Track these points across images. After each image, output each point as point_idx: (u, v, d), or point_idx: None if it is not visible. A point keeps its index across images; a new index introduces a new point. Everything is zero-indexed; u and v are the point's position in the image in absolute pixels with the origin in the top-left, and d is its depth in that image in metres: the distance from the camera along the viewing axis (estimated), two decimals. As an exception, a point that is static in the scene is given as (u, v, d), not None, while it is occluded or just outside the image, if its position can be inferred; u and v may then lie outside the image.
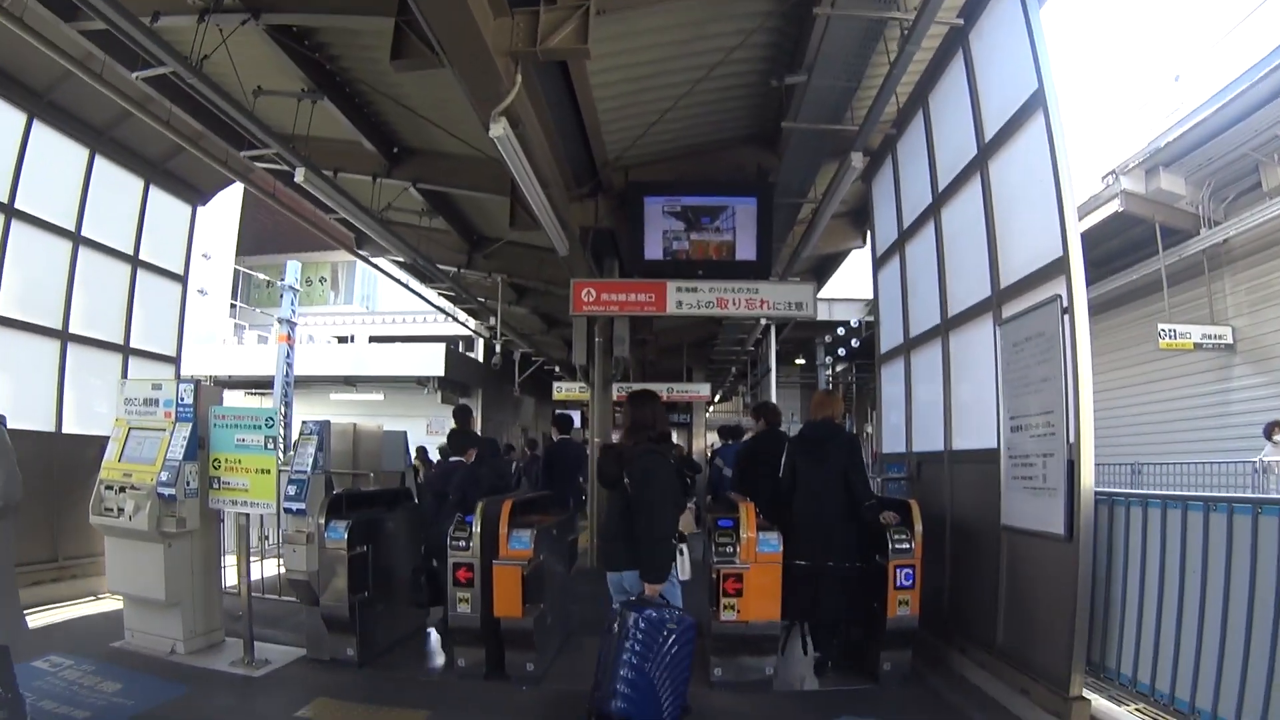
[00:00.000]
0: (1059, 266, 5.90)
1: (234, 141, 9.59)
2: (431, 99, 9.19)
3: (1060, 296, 5.78)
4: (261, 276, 36.41)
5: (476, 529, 6.72)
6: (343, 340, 34.93)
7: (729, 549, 6.56)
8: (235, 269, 35.38)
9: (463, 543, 6.74)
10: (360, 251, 15.76)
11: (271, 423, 7.25)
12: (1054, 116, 6.01)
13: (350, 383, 28.84)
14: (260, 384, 25.64)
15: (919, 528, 6.85)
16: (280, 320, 23.62)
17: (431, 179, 11.35)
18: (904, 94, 8.80)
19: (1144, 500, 5.87)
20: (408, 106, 9.20)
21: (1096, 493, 5.78)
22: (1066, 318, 5.73)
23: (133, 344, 10.97)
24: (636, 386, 18.24)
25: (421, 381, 28.06)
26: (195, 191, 11.97)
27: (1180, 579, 5.48)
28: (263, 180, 11.77)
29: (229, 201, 31.09)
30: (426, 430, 26.21)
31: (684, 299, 10.32)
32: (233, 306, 36.14)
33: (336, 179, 10.35)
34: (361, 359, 28.99)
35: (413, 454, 16.38)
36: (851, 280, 22.43)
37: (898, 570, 6.69)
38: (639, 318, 16.21)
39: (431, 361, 27.56)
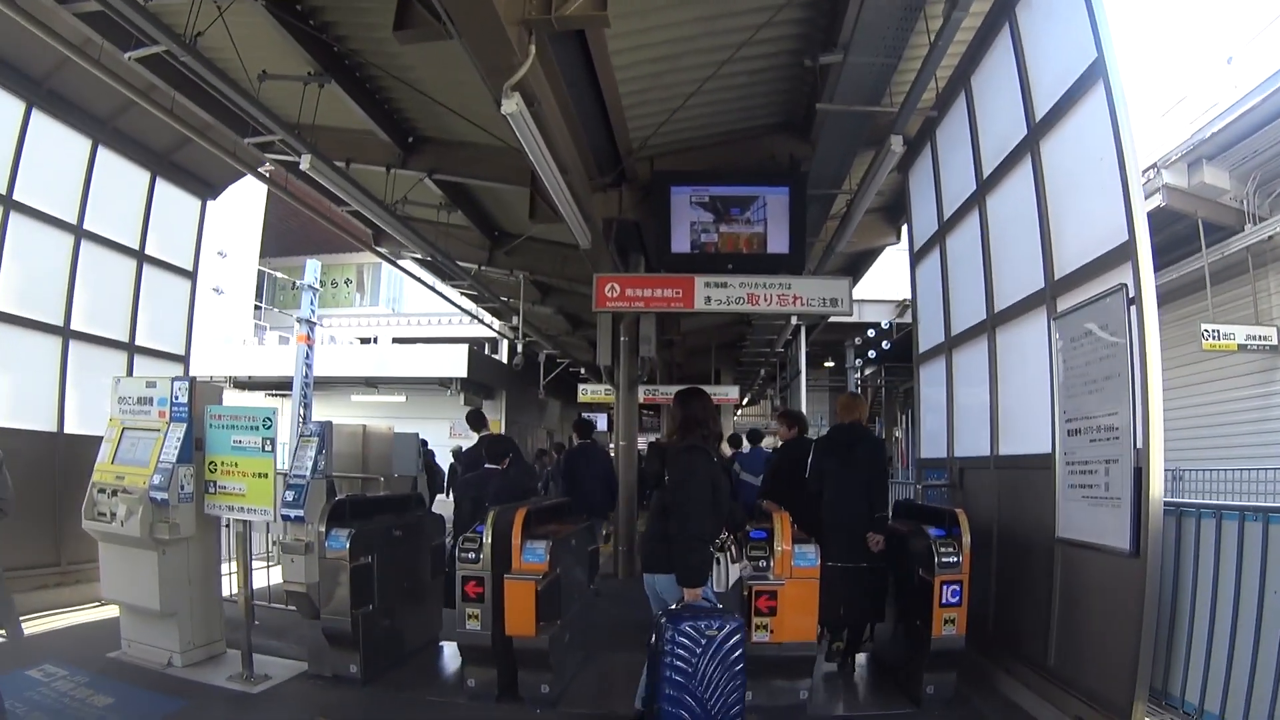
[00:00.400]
0: (1123, 252, 5.41)
1: (239, 129, 9.20)
2: (446, 81, 8.76)
3: (1125, 286, 5.29)
4: (285, 278, 36.11)
5: (487, 540, 6.26)
6: (365, 342, 34.68)
7: (762, 563, 6.06)
8: (259, 270, 35.21)
9: (472, 554, 6.29)
10: (379, 249, 15.38)
11: (269, 423, 6.84)
12: (1116, 87, 5.50)
13: (372, 384, 28.44)
14: (281, 385, 25.26)
15: (966, 539, 6.33)
16: (299, 320, 23.29)
17: (449, 169, 10.94)
18: (943, 77, 8.34)
19: (1217, 511, 5.41)
20: (421, 90, 8.78)
21: (1165, 503, 5.26)
22: (1133, 309, 5.24)
23: (139, 342, 10.65)
24: (669, 390, 17.80)
25: (444, 383, 27.55)
26: (205, 185, 11.67)
27: (1259, 599, 5.01)
28: (278, 175, 11.52)
29: (252, 202, 31.01)
30: (450, 433, 25.53)
31: (713, 295, 9.83)
32: (257, 308, 36.03)
33: (349, 170, 9.97)
34: (383, 360, 28.59)
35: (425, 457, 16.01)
36: (883, 280, 22.13)
37: (944, 586, 6.18)
38: (666, 316, 16.04)
39: (454, 363, 27.11)
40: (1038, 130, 6.65)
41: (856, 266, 16.50)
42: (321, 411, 23.87)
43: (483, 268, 15.24)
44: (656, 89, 8.90)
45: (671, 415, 5.76)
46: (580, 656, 7.36)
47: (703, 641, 4.77)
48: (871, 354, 26.98)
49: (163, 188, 10.95)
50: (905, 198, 10.76)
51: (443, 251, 12.80)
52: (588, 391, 22.96)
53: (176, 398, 7.19)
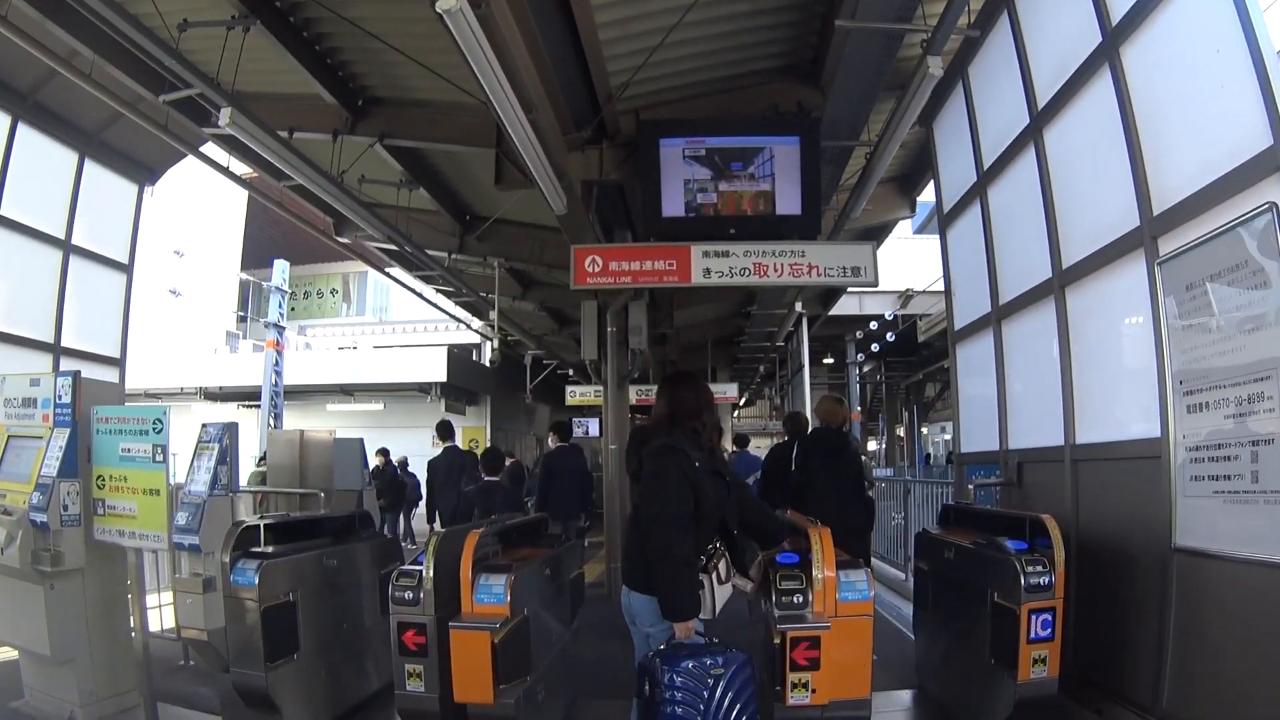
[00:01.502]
0: (1265, 163, 4.16)
1: (157, 88, 7.92)
2: (397, 22, 7.65)
3: (1275, 205, 4.01)
4: (267, 285, 35.24)
5: (428, 573, 4.90)
6: (342, 349, 33.64)
7: (797, 598, 4.64)
8: (243, 279, 34.29)
9: (408, 593, 4.93)
10: (341, 239, 14.24)
11: (159, 426, 5.60)
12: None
13: (348, 392, 27.31)
14: (256, 396, 24.25)
15: (1060, 555, 5.03)
16: (267, 324, 22.56)
17: (403, 133, 9.70)
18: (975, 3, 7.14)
19: None
20: (365, 30, 7.52)
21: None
22: None
23: (65, 343, 9.62)
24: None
25: (424, 389, 26.38)
26: (142, 169, 10.79)
27: None
28: (255, 178, 10.31)
29: (232, 209, 30.62)
30: (431, 442, 24.23)
31: (713, 265, 8.53)
32: (241, 318, 35.21)
33: (292, 140, 8.81)
34: (359, 366, 27.37)
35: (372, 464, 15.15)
36: (884, 269, 20.96)
37: (1032, 616, 4.86)
38: (658, 306, 15.31)
39: (433, 367, 25.88)
40: (1116, 35, 5.44)
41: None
42: (295, 422, 23.38)
43: (453, 255, 14.07)
44: (641, 18, 7.67)
45: (655, 406, 4.63)
46: (562, 708, 5.97)
47: (709, 681, 3.77)
48: (875, 347, 25.90)
49: (93, 171, 10.11)
50: (930, 153, 9.57)
51: (404, 235, 11.56)
52: (576, 394, 22.63)
53: (60, 397, 6.03)
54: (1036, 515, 5.38)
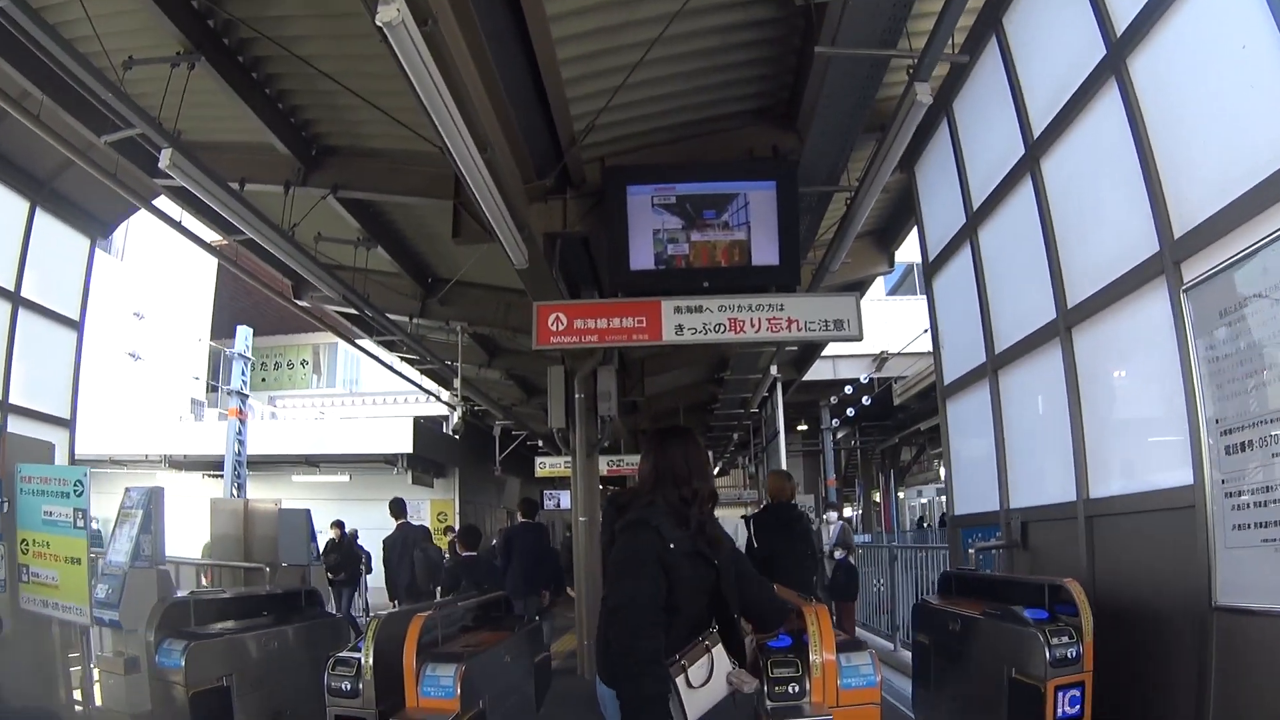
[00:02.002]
0: None
1: (102, 129, 7.42)
2: (348, 58, 7.21)
3: None
4: (229, 352, 34.90)
5: (367, 660, 4.30)
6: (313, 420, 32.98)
7: (792, 687, 4.08)
8: (212, 347, 33.93)
9: (346, 684, 4.33)
10: (300, 301, 13.66)
11: (80, 489, 5.05)
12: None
13: (313, 463, 26.51)
14: (220, 465, 23.69)
15: (1088, 624, 4.49)
16: (230, 391, 22.29)
17: (357, 183, 9.22)
18: (959, 36, 6.74)
19: None
20: (320, 70, 7.04)
21: None
22: None
23: (12, 400, 8.92)
24: (634, 460, 16.31)
25: (390, 461, 25.63)
26: (95, 222, 10.50)
27: None
28: (232, 249, 10.27)
29: (202, 277, 30.29)
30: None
31: (685, 321, 8.03)
32: (213, 388, 34.79)
33: (244, 192, 8.25)
34: (324, 437, 26.60)
35: (321, 543, 14.48)
36: None
37: (1059, 693, 4.32)
38: (628, 372, 14.89)
39: (399, 438, 25.04)
40: (1122, 45, 5.06)
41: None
42: (260, 493, 22.29)
43: (415, 320, 13.52)
44: (606, 54, 7.27)
45: (640, 466, 3.95)
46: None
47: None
48: (850, 412, 25.51)
49: (44, 221, 9.73)
50: (913, 200, 9.23)
51: (362, 296, 11.04)
52: (545, 465, 22.15)
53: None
54: (1056, 580, 4.88)
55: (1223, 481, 4.20)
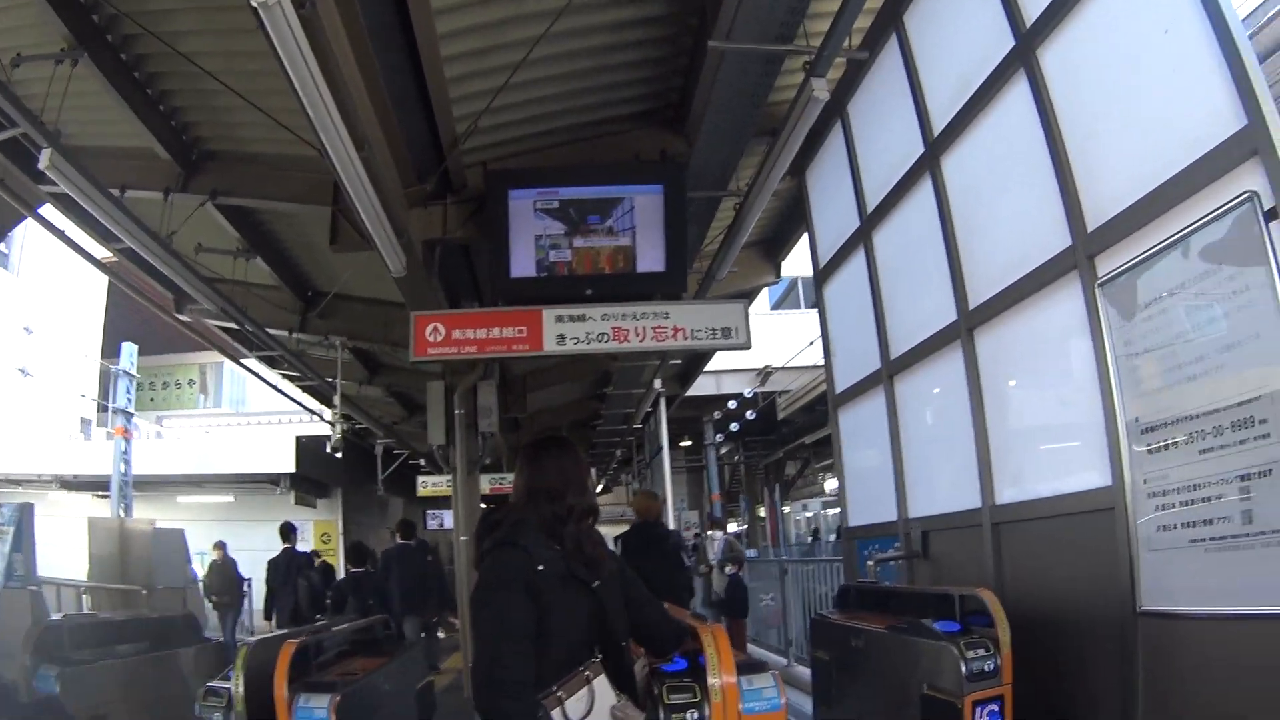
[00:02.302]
0: (1238, 148, 3.58)
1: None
2: (229, 54, 6.77)
3: (1255, 194, 3.44)
4: (115, 370, 33.76)
5: (237, 688, 3.85)
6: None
7: (691, 714, 3.77)
8: (104, 366, 32.63)
9: (216, 715, 3.86)
10: (181, 316, 12.85)
11: None
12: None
13: (198, 483, 25.63)
14: (108, 485, 22.49)
15: (1005, 635, 4.28)
16: (115, 410, 21.31)
17: (236, 189, 8.72)
18: (857, 37, 6.74)
19: None
20: (203, 69, 6.48)
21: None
22: (1276, 227, 3.38)
23: None
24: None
25: (274, 480, 24.92)
26: None
27: None
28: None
29: (92, 294, 29.16)
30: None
31: (567, 331, 7.70)
32: (103, 407, 33.54)
33: (124, 199, 7.80)
34: (207, 457, 25.76)
35: (197, 565, 14.48)
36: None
37: (977, 708, 4.10)
38: (509, 388, 14.41)
39: (281, 457, 24.39)
40: (1032, 35, 4.93)
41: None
42: (147, 515, 20.93)
43: (294, 334, 13.02)
44: (492, 51, 6.91)
45: (514, 480, 3.53)
46: None
47: None
48: (734, 427, 25.49)
49: None
50: (804, 206, 9.12)
51: (240, 309, 10.49)
52: (428, 484, 22.06)
53: None
54: (968, 590, 4.66)
55: (1145, 482, 4.04)
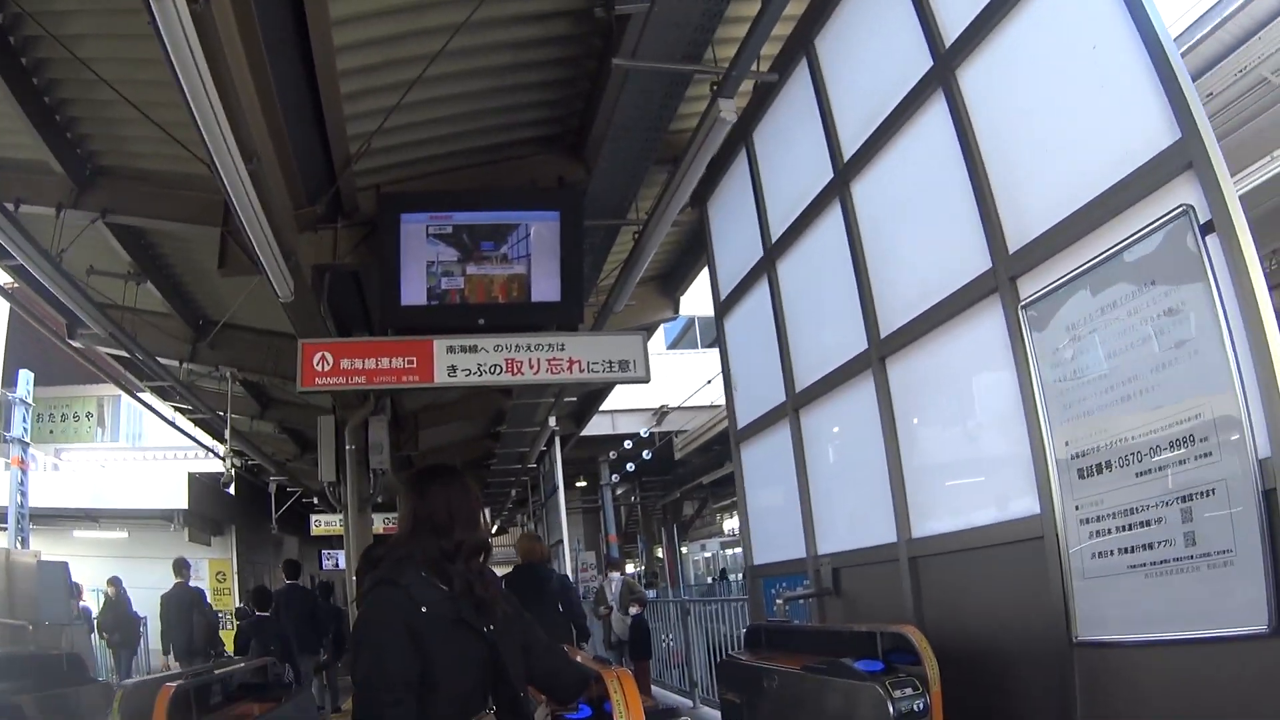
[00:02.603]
0: (1170, 162, 3.47)
1: None
2: (126, 62, 6.31)
3: (1191, 207, 3.33)
4: (11, 398, 32.38)
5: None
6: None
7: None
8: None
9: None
10: (73, 342, 12.19)
11: None
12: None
13: (93, 518, 24.82)
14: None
15: (933, 672, 4.06)
16: (10, 439, 20.63)
17: (127, 208, 8.24)
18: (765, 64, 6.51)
19: None
20: (100, 76, 6.03)
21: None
22: (1213, 240, 3.26)
23: None
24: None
25: (167, 517, 24.32)
26: None
27: None
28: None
29: None
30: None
31: (459, 362, 7.42)
32: (3, 438, 32.14)
33: (18, 213, 7.29)
34: (101, 491, 24.85)
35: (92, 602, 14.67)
36: (638, 387, 20.88)
37: (902, 750, 3.81)
38: (401, 426, 14.20)
39: (174, 493, 23.83)
40: (950, 56, 4.78)
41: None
42: (43, 549, 19.71)
43: (185, 364, 12.44)
44: (389, 66, 6.59)
45: (399, 512, 3.63)
46: None
47: None
48: (630, 467, 25.27)
49: None
50: (705, 236, 8.90)
51: (130, 335, 9.94)
52: (321, 523, 21.94)
53: None
54: (888, 627, 4.43)
55: (1077, 509, 3.87)
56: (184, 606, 13.10)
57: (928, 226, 5.10)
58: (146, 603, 16.08)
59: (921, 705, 3.92)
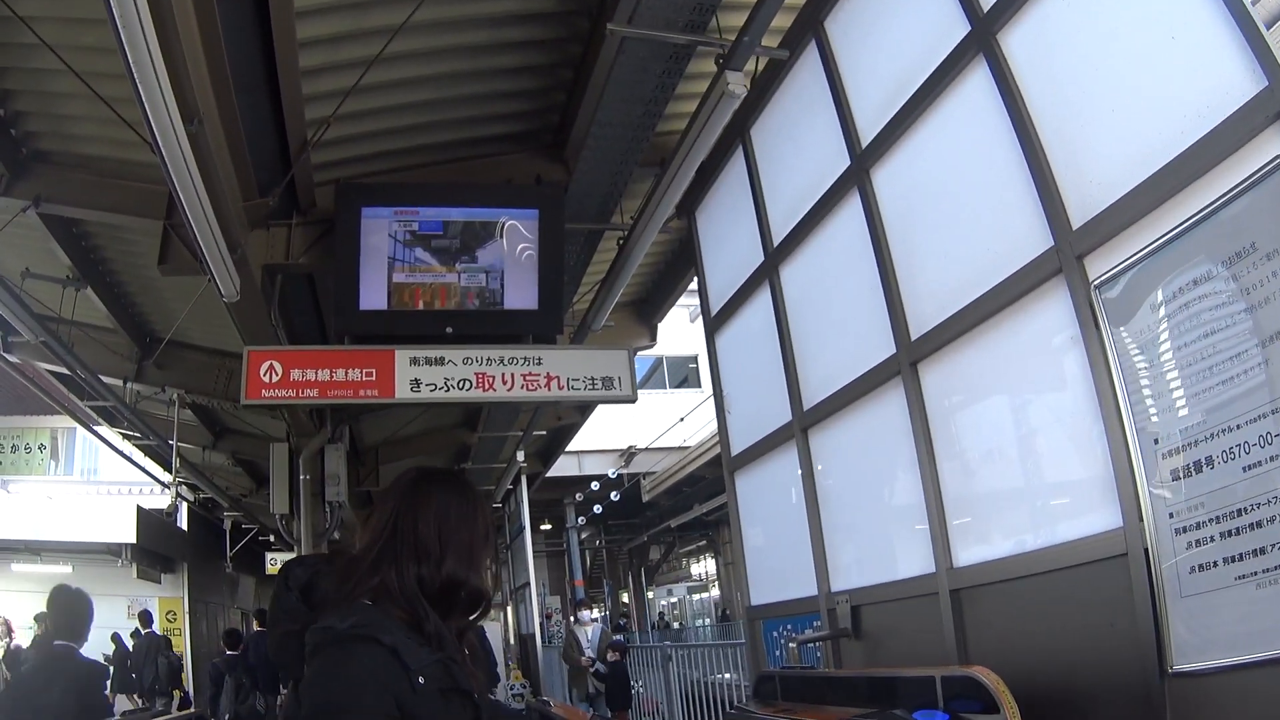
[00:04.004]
0: (1256, 115, 3.11)
1: None
2: (64, 20, 5.78)
3: None
4: None
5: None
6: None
7: None
8: None
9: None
10: (9, 356, 11.68)
11: None
12: None
13: (34, 550, 23.78)
14: None
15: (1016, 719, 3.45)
16: None
17: (63, 196, 7.63)
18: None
19: None
20: (42, 39, 5.38)
21: None
22: None
23: None
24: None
25: (114, 551, 23.26)
26: None
27: None
28: None
29: None
30: (127, 613, 21.48)
31: (423, 376, 6.93)
32: None
33: None
34: (43, 522, 23.81)
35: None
36: (603, 429, 20.66)
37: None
38: (360, 459, 14.08)
39: (121, 526, 22.65)
40: (992, 18, 4.37)
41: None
42: None
43: (129, 383, 11.92)
44: (353, 39, 6.13)
45: (360, 535, 2.37)
46: None
47: None
48: (596, 509, 24.82)
49: None
50: (693, 248, 8.46)
51: (67, 346, 9.36)
52: (276, 561, 21.09)
53: None
54: (956, 670, 3.84)
55: (1171, 515, 3.38)
56: (151, 651, 15.77)
57: (967, 209, 4.64)
58: (96, 644, 15.68)
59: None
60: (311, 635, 1.98)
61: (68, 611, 5.75)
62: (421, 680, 1.94)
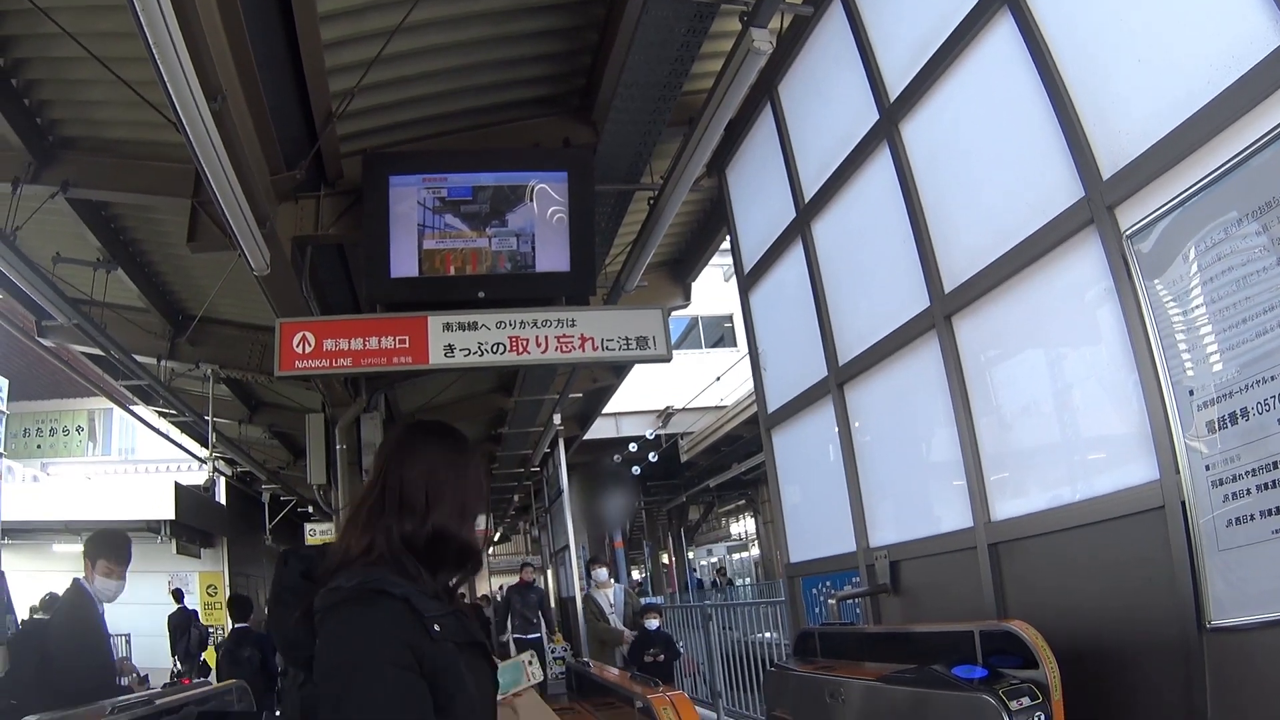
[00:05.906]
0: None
1: None
2: (86, 9, 5.83)
3: None
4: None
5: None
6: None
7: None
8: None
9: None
10: (44, 340, 11.90)
11: None
12: None
13: (75, 531, 23.51)
14: None
15: (1054, 676, 3.48)
16: None
17: (91, 180, 7.73)
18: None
19: None
20: (59, 25, 5.42)
21: None
22: None
23: None
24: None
25: (153, 528, 23.54)
26: None
27: None
28: None
29: None
30: (168, 587, 21.99)
31: (456, 341, 6.94)
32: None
33: None
34: (82, 503, 23.94)
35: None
36: (640, 389, 20.58)
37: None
38: (396, 417, 13.64)
39: (160, 503, 23.01)
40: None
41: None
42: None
43: (163, 361, 12.08)
44: (374, 10, 6.14)
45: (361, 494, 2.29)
46: None
47: None
48: (635, 471, 24.81)
49: None
50: (725, 206, 8.50)
51: (99, 327, 9.45)
52: (315, 532, 20.35)
53: None
54: (994, 624, 3.87)
55: (1208, 468, 3.39)
56: (184, 624, 17.66)
57: (997, 161, 4.63)
58: (132, 619, 17.42)
59: (1043, 718, 3.39)
60: (320, 599, 1.97)
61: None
62: (437, 628, 1.94)
